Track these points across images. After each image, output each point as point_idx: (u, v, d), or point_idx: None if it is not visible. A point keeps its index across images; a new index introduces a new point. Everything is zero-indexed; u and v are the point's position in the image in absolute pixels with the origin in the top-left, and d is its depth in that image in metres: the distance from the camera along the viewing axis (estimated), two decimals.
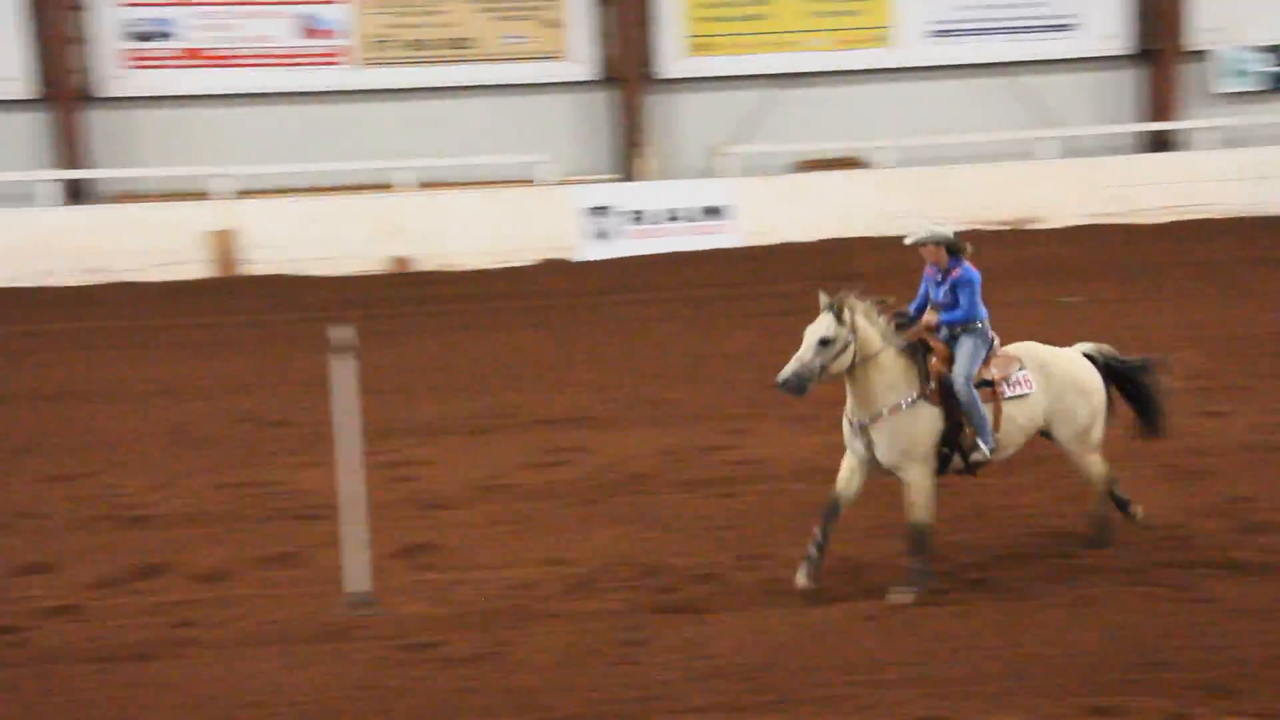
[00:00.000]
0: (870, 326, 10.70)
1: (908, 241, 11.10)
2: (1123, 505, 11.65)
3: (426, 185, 28.38)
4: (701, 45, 30.45)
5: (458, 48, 29.83)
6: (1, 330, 23.39)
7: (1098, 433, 11.41)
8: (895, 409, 10.67)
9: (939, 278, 11.06)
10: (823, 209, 28.26)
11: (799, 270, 25.39)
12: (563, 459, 15.05)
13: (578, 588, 11.36)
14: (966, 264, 11.02)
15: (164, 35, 29.01)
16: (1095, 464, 11.45)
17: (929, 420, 10.76)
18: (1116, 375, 11.62)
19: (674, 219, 28.17)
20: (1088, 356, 11.54)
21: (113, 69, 28.94)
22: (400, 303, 24.81)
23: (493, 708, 9.29)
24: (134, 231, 26.85)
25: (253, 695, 9.55)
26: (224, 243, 26.90)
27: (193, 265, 26.83)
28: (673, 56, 30.38)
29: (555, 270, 27.15)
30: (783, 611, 10.62)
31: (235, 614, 11.05)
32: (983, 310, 10.99)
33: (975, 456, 10.89)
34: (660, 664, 9.83)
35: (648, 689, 9.46)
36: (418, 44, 29.74)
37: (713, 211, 28.29)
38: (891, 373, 10.71)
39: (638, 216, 28.08)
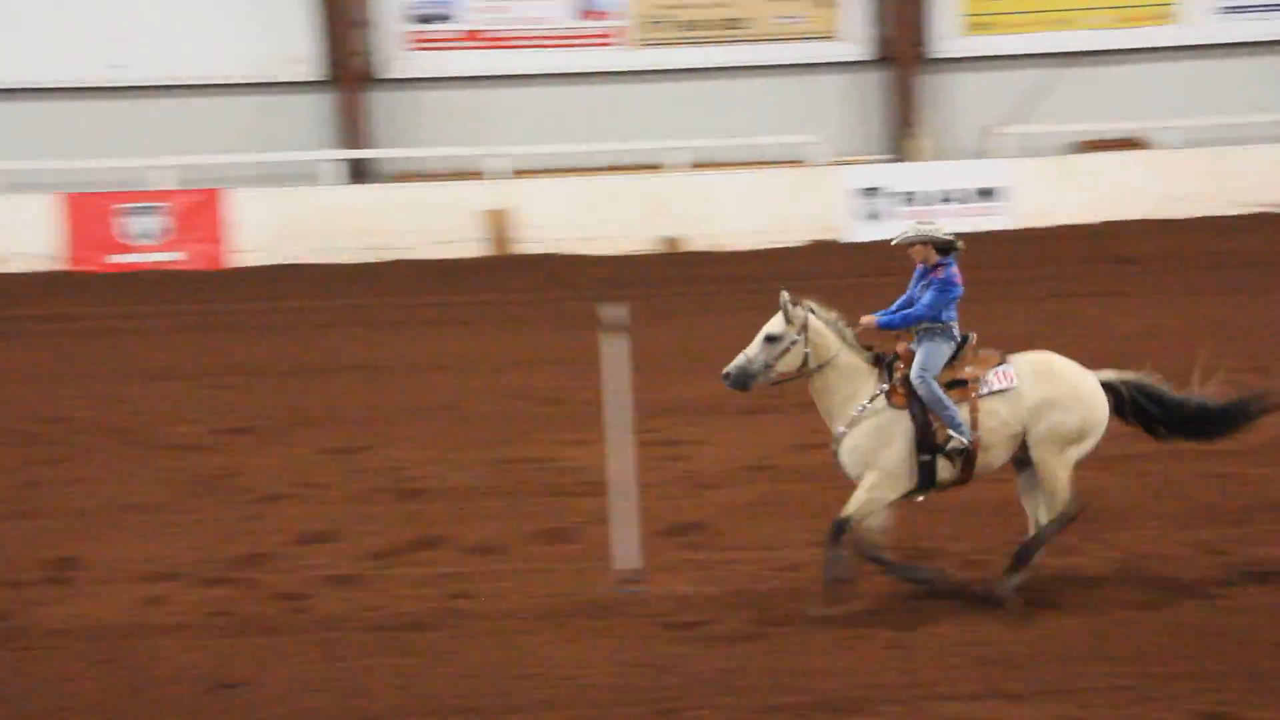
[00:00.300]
0: (826, 330, 10.51)
1: (894, 242, 10.78)
2: (1018, 567, 10.63)
3: (697, 166, 28.47)
4: (978, 24, 29.96)
5: (731, 28, 29.85)
6: (287, 305, 24.14)
7: (1076, 453, 10.61)
8: (854, 421, 10.44)
9: (924, 276, 10.70)
10: (1100, 191, 27.56)
11: (1074, 254, 24.87)
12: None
13: None
14: (953, 267, 10.61)
15: (444, 18, 29.62)
16: (1063, 483, 10.60)
17: (892, 426, 10.41)
18: (1153, 407, 10.76)
19: (946, 200, 27.76)
20: (1106, 384, 10.70)
21: (395, 51, 29.64)
22: (670, 282, 24.92)
23: (760, 688, 9.31)
24: (413, 210, 27.44)
25: (525, 669, 9.72)
26: (499, 221, 27.35)
27: (468, 243, 27.28)
28: (948, 35, 29.94)
29: (825, 251, 26.97)
30: (1054, 599, 10.46)
31: (507, 587, 11.25)
32: (950, 313, 10.57)
33: (952, 445, 10.38)
34: (931, 649, 9.75)
35: (918, 674, 9.39)
36: (691, 24, 29.83)
37: (986, 193, 27.82)
38: (851, 381, 10.51)
39: (909, 198, 27.74)
